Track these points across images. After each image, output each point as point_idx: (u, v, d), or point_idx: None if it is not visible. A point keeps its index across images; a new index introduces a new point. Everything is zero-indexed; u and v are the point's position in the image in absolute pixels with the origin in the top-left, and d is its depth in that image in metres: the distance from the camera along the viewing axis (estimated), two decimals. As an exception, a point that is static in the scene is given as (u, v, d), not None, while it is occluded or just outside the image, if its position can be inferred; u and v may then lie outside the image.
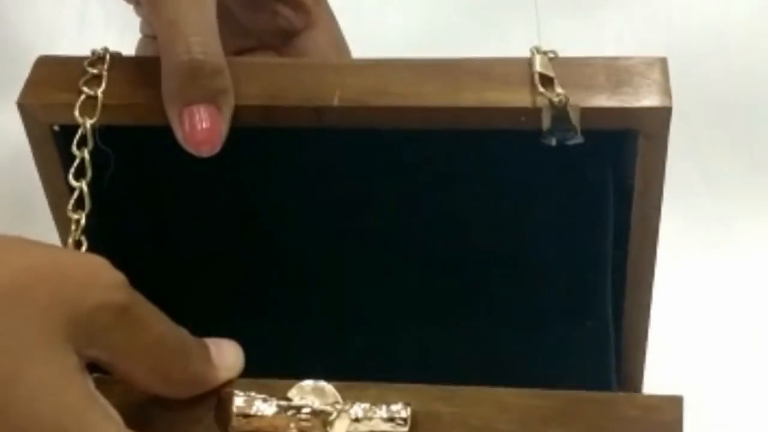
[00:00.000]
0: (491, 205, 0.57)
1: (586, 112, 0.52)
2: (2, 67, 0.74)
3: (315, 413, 0.45)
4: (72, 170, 0.52)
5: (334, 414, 0.45)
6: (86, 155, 0.53)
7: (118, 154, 0.54)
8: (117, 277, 0.42)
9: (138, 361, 0.42)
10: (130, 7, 0.62)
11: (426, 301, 0.58)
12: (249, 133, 0.53)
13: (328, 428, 0.45)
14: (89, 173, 0.53)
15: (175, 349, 0.44)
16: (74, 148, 0.53)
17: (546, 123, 0.53)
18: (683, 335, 0.66)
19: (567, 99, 0.52)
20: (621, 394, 0.46)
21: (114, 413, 0.40)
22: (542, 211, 0.56)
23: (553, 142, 0.53)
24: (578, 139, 0.53)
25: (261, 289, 0.58)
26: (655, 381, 0.57)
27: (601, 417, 0.45)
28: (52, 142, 0.55)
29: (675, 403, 0.45)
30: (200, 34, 0.50)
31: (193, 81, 0.50)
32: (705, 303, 0.68)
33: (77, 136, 0.53)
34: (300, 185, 0.57)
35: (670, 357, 0.63)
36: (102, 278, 0.41)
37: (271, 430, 0.45)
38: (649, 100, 0.51)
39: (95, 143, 0.53)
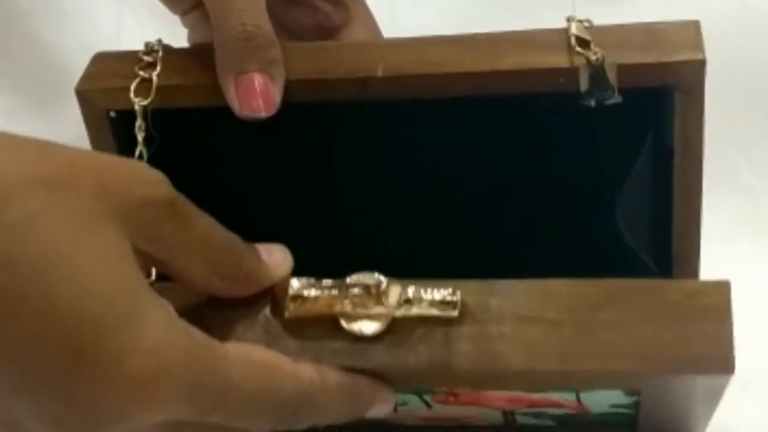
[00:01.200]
0: (534, 169, 0.58)
1: (623, 70, 0.53)
2: (43, 86, 0.77)
3: (367, 288, 0.46)
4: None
5: (385, 284, 0.45)
6: (141, 138, 0.55)
7: (171, 137, 0.56)
8: (158, 174, 0.42)
9: (191, 256, 0.43)
10: (165, 24, 0.64)
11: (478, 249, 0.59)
12: (297, 109, 0.55)
13: (383, 298, 0.45)
14: (145, 156, 0.55)
15: (224, 245, 0.45)
16: (131, 131, 0.55)
17: (584, 83, 0.54)
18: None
19: (603, 57, 0.53)
20: (669, 280, 0.46)
21: (167, 303, 0.41)
22: (583, 174, 0.57)
23: (592, 102, 0.54)
24: (616, 99, 0.54)
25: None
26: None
27: (650, 302, 0.45)
28: (108, 127, 0.57)
29: (723, 288, 0.45)
30: (252, 9, 0.52)
31: (247, 51, 0.52)
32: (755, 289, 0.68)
33: (136, 121, 0.55)
34: (349, 159, 0.58)
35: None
36: (144, 174, 0.42)
37: (326, 310, 0.46)
38: (683, 54, 0.53)
39: (149, 126, 0.55)
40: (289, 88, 0.55)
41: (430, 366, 0.46)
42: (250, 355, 0.43)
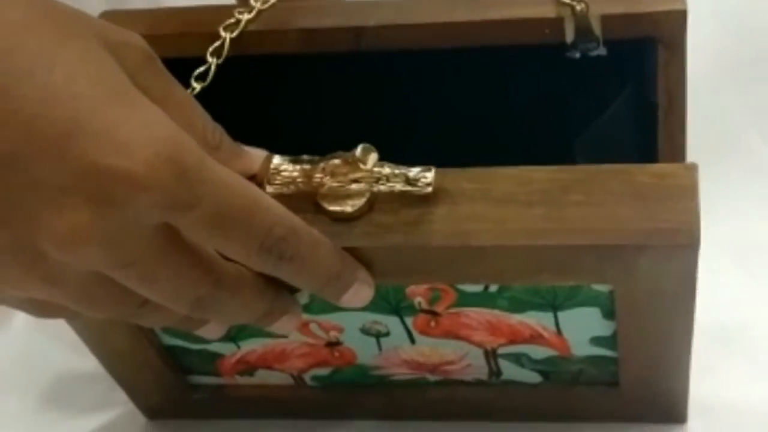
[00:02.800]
0: (519, 119, 0.60)
1: (606, 21, 0.56)
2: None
3: (344, 158, 0.47)
4: None
5: (360, 151, 0.46)
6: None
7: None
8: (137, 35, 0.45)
9: (170, 110, 0.44)
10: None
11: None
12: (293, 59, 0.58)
13: (360, 164, 0.46)
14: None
15: (202, 113, 0.47)
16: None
17: (569, 34, 0.57)
18: (733, 289, 0.66)
19: (588, 7, 0.56)
20: (639, 165, 0.47)
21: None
22: (569, 126, 0.59)
23: (577, 54, 0.57)
24: (601, 51, 0.57)
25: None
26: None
27: (620, 183, 0.46)
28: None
29: (691, 169, 0.46)
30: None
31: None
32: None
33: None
34: (342, 106, 0.61)
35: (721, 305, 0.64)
36: (121, 27, 0.44)
37: (306, 185, 0.47)
38: (665, 4, 0.55)
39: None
40: (285, 38, 0.58)
41: (406, 244, 0.47)
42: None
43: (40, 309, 0.47)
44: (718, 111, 0.64)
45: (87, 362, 0.65)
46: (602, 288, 0.50)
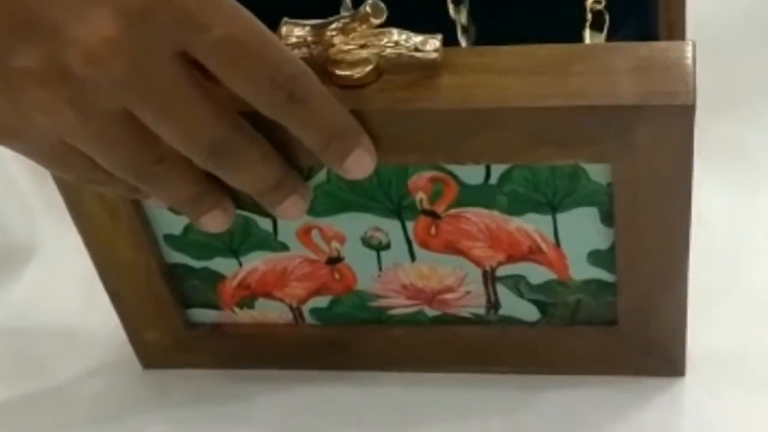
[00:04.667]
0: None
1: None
2: None
3: (354, 15, 0.49)
4: None
5: (370, 6, 0.48)
6: None
7: None
8: None
9: None
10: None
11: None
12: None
13: (370, 18, 0.48)
14: None
15: None
16: None
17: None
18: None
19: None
20: (640, 42, 0.49)
21: None
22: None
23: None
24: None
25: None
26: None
27: (621, 57, 0.48)
28: None
29: (688, 45, 0.48)
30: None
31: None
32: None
33: None
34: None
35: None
36: None
37: (314, 38, 0.49)
38: None
39: None
40: None
41: (411, 108, 0.49)
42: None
43: (61, 158, 0.49)
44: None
45: (84, 323, 0.68)
46: (601, 179, 0.51)
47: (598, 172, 0.51)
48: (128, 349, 0.65)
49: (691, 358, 0.60)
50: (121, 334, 0.65)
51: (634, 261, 0.54)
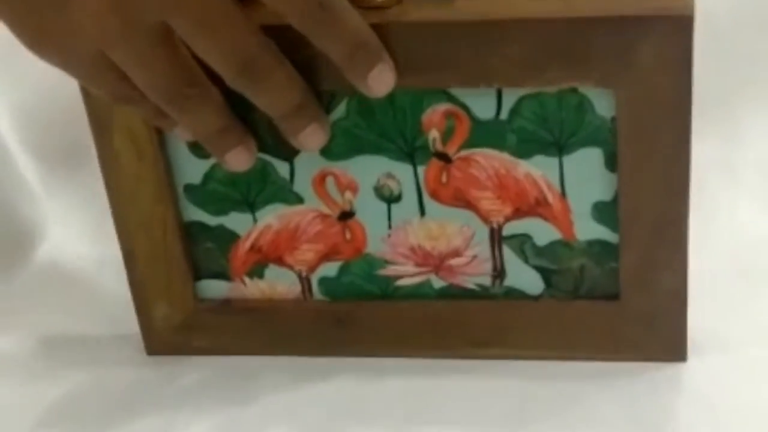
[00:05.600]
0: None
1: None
2: None
3: None
4: None
5: None
6: None
7: None
8: None
9: None
10: None
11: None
12: None
13: None
14: None
15: None
16: None
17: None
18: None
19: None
20: None
21: None
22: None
23: None
24: None
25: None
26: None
27: None
28: None
29: None
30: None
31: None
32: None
33: None
34: None
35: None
36: None
37: None
38: None
39: None
40: None
41: (430, 20, 0.53)
42: None
43: (98, 73, 0.53)
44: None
45: (87, 312, 0.69)
46: (605, 113, 0.54)
47: (602, 104, 0.54)
48: (131, 337, 0.66)
49: (694, 343, 0.61)
50: (124, 324, 0.66)
51: (636, 211, 0.56)
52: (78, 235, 0.66)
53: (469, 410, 0.60)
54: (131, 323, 0.66)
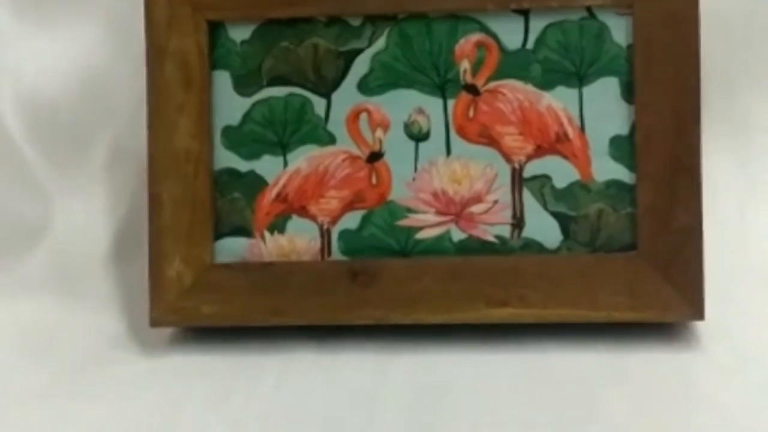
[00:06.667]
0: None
1: None
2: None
3: None
4: None
5: None
6: None
7: None
8: None
9: None
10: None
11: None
12: None
13: None
14: None
15: None
16: None
17: None
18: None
19: None
20: None
21: None
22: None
23: None
24: None
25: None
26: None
27: None
28: None
29: None
30: None
31: None
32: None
33: None
34: None
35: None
36: None
37: None
38: None
39: None
40: None
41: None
42: None
43: None
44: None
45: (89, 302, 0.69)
46: (621, 41, 0.61)
47: (619, 33, 0.61)
48: (134, 324, 0.66)
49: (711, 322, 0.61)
50: (125, 313, 0.67)
51: (651, 145, 0.60)
52: (80, 229, 0.67)
53: (476, 388, 0.58)
54: (135, 315, 0.66)
